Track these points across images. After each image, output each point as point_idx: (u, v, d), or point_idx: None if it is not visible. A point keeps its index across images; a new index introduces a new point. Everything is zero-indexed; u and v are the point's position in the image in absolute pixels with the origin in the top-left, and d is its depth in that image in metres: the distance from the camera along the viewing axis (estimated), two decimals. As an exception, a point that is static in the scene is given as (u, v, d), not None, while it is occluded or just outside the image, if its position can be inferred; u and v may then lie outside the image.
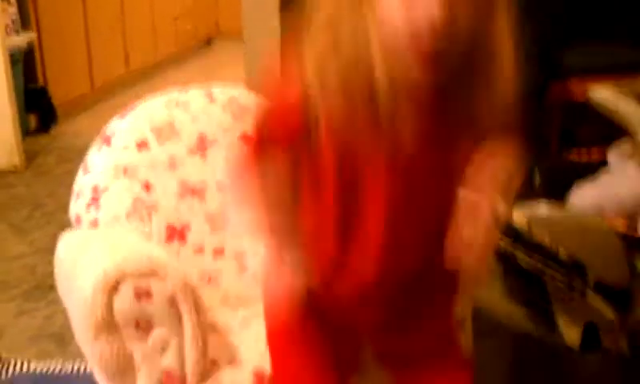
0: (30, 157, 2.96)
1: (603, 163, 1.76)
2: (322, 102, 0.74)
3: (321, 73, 0.74)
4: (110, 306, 0.89)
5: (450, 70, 0.73)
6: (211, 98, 1.30)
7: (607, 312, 1.49)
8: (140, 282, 0.90)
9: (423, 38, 0.69)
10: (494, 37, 0.76)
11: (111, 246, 1.01)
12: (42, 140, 3.26)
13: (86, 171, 1.22)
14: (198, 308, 0.94)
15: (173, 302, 0.92)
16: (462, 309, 1.06)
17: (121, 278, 0.90)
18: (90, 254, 1.00)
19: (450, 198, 0.79)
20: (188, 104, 1.28)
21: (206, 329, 0.97)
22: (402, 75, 0.73)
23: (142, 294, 0.90)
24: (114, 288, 0.89)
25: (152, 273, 0.91)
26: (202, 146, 1.25)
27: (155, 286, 0.91)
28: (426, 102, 0.76)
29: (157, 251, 0.99)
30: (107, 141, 1.23)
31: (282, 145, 0.81)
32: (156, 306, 0.91)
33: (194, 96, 1.30)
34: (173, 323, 0.93)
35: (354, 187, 0.79)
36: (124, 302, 0.90)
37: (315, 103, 0.74)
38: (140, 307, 0.90)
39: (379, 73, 0.71)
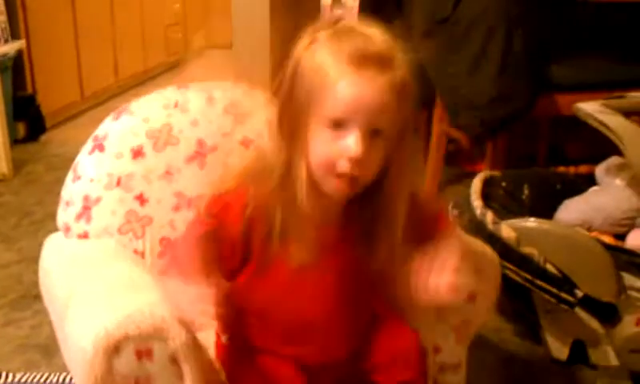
0: (18, 165, 2.94)
1: (591, 178, 1.77)
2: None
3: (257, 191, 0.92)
4: (109, 366, 0.86)
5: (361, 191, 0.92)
6: (211, 100, 1.24)
7: (595, 326, 1.50)
8: (142, 342, 0.88)
9: (345, 165, 0.87)
10: (396, 177, 0.93)
11: (111, 293, 0.96)
12: (31, 148, 3.24)
13: (76, 177, 1.17)
14: (198, 366, 0.91)
15: (174, 361, 0.90)
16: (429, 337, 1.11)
17: (123, 340, 0.87)
18: (88, 298, 0.96)
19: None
20: (187, 105, 1.22)
21: (208, 380, 0.95)
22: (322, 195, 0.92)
23: (143, 354, 0.88)
24: (115, 349, 0.86)
25: (155, 333, 0.89)
26: (200, 153, 1.20)
27: (157, 346, 0.89)
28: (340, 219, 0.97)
29: (158, 302, 0.94)
30: (100, 145, 1.17)
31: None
32: (156, 365, 0.89)
33: (194, 97, 1.24)
34: (172, 381, 0.90)
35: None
36: (125, 362, 0.87)
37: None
38: (140, 366, 0.88)
39: (301, 195, 0.90)
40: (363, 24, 0.90)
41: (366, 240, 0.96)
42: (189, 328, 0.92)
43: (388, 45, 0.89)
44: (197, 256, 0.92)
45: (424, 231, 0.97)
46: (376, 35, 0.89)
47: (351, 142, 0.86)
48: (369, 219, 0.95)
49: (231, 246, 0.94)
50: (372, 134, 0.87)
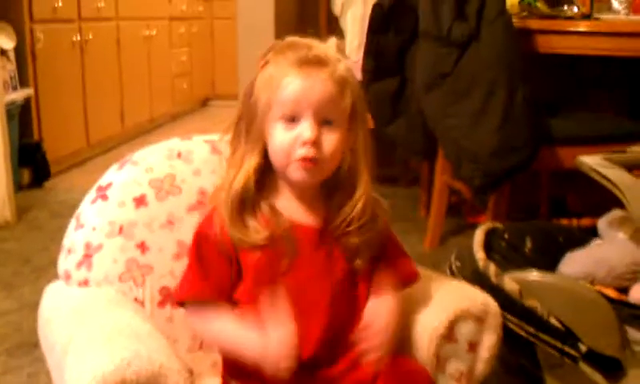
0: (21, 211, 2.95)
1: (594, 231, 1.77)
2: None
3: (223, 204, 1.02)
4: None
5: (323, 171, 1.02)
6: (214, 149, 1.25)
7: (599, 380, 1.48)
8: None
9: (301, 150, 0.98)
10: (356, 148, 1.04)
11: (110, 339, 0.95)
12: (35, 195, 3.26)
13: (78, 226, 1.17)
14: None
15: None
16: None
17: None
18: (86, 344, 0.96)
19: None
20: (190, 155, 1.24)
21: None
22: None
23: None
24: None
25: (153, 380, 0.89)
26: (202, 202, 1.20)
27: None
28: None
29: (157, 348, 0.94)
30: (103, 195, 1.18)
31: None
32: None
33: (197, 147, 1.26)
34: None
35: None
36: None
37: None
38: None
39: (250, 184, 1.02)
40: (305, 38, 1.04)
41: (335, 235, 1.04)
42: (187, 376, 0.91)
43: (325, 49, 1.02)
44: (208, 277, 1.02)
45: (389, 261, 1.08)
46: (315, 44, 1.02)
47: (304, 128, 0.98)
48: (334, 212, 1.04)
49: (227, 258, 1.01)
50: (323, 123, 0.99)
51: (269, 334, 0.94)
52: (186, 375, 0.93)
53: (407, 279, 1.11)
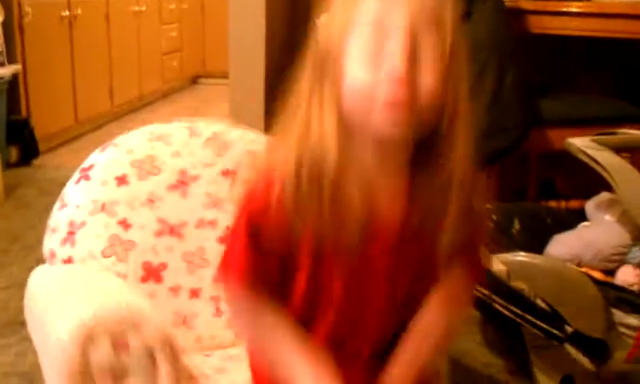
0: (9, 189, 2.93)
1: (582, 213, 1.78)
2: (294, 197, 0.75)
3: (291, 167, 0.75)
4: (85, 357, 0.87)
5: (418, 124, 0.74)
6: (193, 132, 1.28)
7: (585, 362, 1.49)
8: (118, 333, 0.89)
9: (389, 89, 0.71)
10: (456, 101, 0.76)
11: (89, 290, 0.98)
12: (23, 172, 3.23)
13: (62, 205, 1.19)
14: (174, 358, 0.92)
15: (149, 353, 0.90)
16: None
17: (99, 329, 0.88)
18: (66, 297, 0.97)
19: (410, 291, 0.85)
20: (170, 137, 1.26)
21: (182, 378, 0.95)
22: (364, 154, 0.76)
23: (119, 345, 0.89)
24: (91, 339, 0.87)
25: (131, 324, 0.90)
26: (182, 182, 1.23)
27: (133, 337, 0.90)
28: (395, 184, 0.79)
29: (134, 298, 0.97)
30: (86, 175, 1.21)
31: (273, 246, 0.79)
32: (132, 357, 0.89)
33: (176, 129, 1.28)
34: (148, 373, 0.90)
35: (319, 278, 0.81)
36: (101, 353, 0.88)
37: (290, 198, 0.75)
38: (116, 358, 0.89)
39: (332, 160, 0.74)
40: None
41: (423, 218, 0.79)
42: (167, 322, 0.91)
43: None
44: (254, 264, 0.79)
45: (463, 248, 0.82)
46: None
47: (390, 59, 0.70)
48: (424, 185, 0.78)
49: (285, 243, 0.77)
50: (416, 53, 0.71)
51: None
52: (163, 323, 0.94)
53: (476, 281, 0.93)
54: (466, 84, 0.77)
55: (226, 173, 1.25)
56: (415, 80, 0.71)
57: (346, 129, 0.75)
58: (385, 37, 0.71)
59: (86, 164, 1.23)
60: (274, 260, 0.79)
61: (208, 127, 1.30)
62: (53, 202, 1.22)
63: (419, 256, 0.83)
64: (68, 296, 0.98)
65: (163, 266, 1.19)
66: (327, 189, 0.74)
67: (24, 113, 3.37)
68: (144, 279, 1.18)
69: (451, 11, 0.75)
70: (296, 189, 0.74)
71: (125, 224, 1.18)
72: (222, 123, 1.32)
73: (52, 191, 1.22)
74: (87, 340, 0.87)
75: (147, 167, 1.22)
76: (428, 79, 0.72)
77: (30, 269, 1.19)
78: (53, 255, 1.17)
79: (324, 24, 0.76)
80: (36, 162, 3.37)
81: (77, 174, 1.22)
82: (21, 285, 1.15)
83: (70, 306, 0.93)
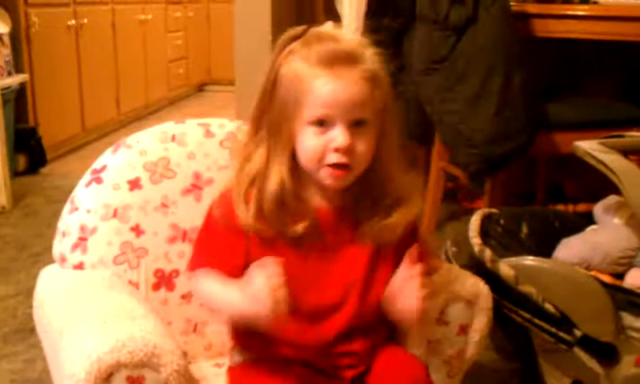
0: (17, 198, 2.94)
1: (590, 217, 1.77)
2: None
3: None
4: None
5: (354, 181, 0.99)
6: (208, 133, 1.25)
7: (594, 366, 1.48)
8: (134, 370, 0.89)
9: (335, 157, 0.95)
10: (385, 163, 1.01)
11: (103, 314, 0.97)
12: (31, 181, 3.25)
13: (73, 208, 1.17)
14: None
15: None
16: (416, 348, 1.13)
17: (115, 366, 0.88)
18: (81, 324, 0.96)
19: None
20: (184, 138, 1.23)
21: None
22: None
23: (135, 381, 0.89)
24: (106, 376, 0.87)
25: (147, 361, 0.89)
26: (196, 186, 1.21)
27: (149, 374, 0.90)
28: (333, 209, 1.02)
29: (149, 326, 0.95)
30: (97, 178, 1.18)
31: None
32: None
33: (191, 131, 1.25)
34: None
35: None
36: None
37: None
38: None
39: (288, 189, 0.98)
40: (331, 29, 1.00)
41: (362, 221, 1.02)
42: (181, 356, 0.92)
43: (355, 42, 0.97)
44: (222, 248, 0.99)
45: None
46: (343, 35, 0.98)
47: (336, 135, 0.94)
48: (363, 203, 1.02)
49: (239, 236, 0.99)
50: (355, 125, 0.95)
51: (249, 287, 0.92)
52: (179, 355, 0.93)
53: (430, 269, 1.07)
54: (395, 124, 1.01)
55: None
56: (353, 148, 0.95)
57: (297, 170, 0.99)
58: (333, 114, 0.93)
59: (97, 165, 1.20)
60: (229, 252, 0.99)
61: (221, 128, 1.27)
62: (60, 210, 1.20)
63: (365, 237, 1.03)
64: (82, 323, 0.97)
65: (176, 272, 1.19)
66: (281, 206, 0.98)
67: (31, 121, 3.39)
68: (156, 287, 1.17)
69: (383, 72, 0.98)
70: (264, 211, 0.98)
71: (137, 230, 1.17)
72: (235, 123, 1.29)
73: (59, 199, 1.22)
74: (103, 377, 0.87)
75: (161, 170, 1.20)
76: (363, 147, 0.96)
77: (38, 276, 1.19)
78: (63, 259, 1.16)
79: (283, 81, 0.97)
80: (43, 170, 3.39)
81: (87, 176, 1.20)
82: (29, 292, 1.15)
83: (85, 340, 0.91)
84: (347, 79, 0.93)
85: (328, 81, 0.93)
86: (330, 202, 1.02)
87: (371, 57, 0.97)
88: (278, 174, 0.97)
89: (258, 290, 0.89)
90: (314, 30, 0.99)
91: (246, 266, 0.95)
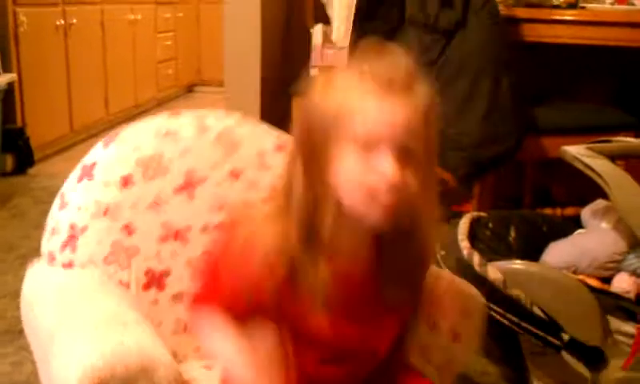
0: (4, 198, 2.92)
1: (577, 220, 1.78)
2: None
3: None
4: None
5: (397, 223, 0.87)
6: (203, 128, 1.22)
7: (581, 370, 1.49)
8: (128, 380, 0.88)
9: (387, 194, 0.83)
10: (425, 211, 0.90)
11: (97, 328, 0.95)
12: (18, 181, 3.22)
13: (63, 205, 1.15)
14: None
15: None
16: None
17: (109, 377, 0.87)
18: (72, 331, 0.95)
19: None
20: (178, 134, 1.20)
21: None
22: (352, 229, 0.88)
23: None
24: None
25: (141, 371, 0.89)
26: (189, 183, 1.19)
27: (142, 383, 0.89)
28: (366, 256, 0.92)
29: (145, 337, 0.94)
30: (88, 173, 1.15)
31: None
32: None
33: (186, 125, 1.22)
34: None
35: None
36: None
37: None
38: None
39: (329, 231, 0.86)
40: (383, 49, 0.88)
41: (393, 275, 0.93)
42: (175, 365, 0.91)
43: (411, 70, 0.87)
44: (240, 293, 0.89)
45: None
46: (400, 61, 0.87)
47: (385, 164, 0.82)
48: (399, 253, 0.91)
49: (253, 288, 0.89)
50: (403, 156, 0.84)
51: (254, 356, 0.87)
52: (173, 365, 0.93)
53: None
54: (434, 175, 0.92)
55: (233, 174, 1.21)
56: (402, 184, 0.83)
57: (338, 210, 0.86)
58: (380, 138, 0.83)
59: (88, 160, 1.17)
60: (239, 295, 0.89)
61: (217, 122, 1.24)
62: (48, 211, 1.18)
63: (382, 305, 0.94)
64: (73, 330, 0.96)
65: (167, 272, 1.17)
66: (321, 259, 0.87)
67: (19, 122, 3.37)
68: (146, 287, 1.16)
69: (434, 110, 0.87)
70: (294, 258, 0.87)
71: (128, 229, 1.15)
72: (231, 117, 1.26)
73: (47, 200, 1.20)
74: None
75: (154, 166, 1.17)
76: (413, 182, 0.84)
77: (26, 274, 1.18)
78: (52, 258, 1.14)
79: (317, 107, 0.86)
80: (31, 170, 3.36)
81: (78, 170, 1.16)
82: (16, 294, 1.14)
83: (79, 349, 0.90)
84: (402, 105, 0.84)
85: (381, 102, 0.83)
86: (357, 259, 0.91)
87: (424, 88, 0.87)
88: (330, 215, 0.86)
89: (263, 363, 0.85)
90: (362, 51, 0.89)
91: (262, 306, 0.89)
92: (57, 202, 1.17)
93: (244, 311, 0.90)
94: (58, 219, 1.15)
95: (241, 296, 0.89)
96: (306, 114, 0.87)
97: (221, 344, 0.92)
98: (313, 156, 0.86)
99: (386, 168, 0.82)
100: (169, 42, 5.38)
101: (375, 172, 0.83)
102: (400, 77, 0.84)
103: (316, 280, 0.87)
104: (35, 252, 1.19)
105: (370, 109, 0.83)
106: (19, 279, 1.15)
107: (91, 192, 1.15)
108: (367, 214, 0.85)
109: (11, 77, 3.24)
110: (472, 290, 1.20)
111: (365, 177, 0.83)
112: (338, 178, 0.85)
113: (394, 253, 0.91)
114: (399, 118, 0.83)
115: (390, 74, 0.84)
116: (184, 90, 5.88)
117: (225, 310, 0.91)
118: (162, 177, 1.18)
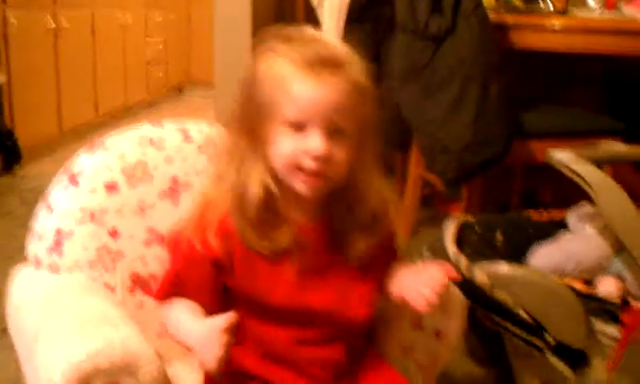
0: (-9, 198, 2.91)
1: (563, 224, 1.79)
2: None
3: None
4: None
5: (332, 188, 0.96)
6: (187, 137, 1.25)
7: (565, 370, 1.50)
8: (112, 376, 0.89)
9: (311, 163, 0.91)
10: (360, 173, 0.99)
11: (80, 321, 0.96)
12: (6, 182, 3.21)
13: (49, 210, 1.16)
14: None
15: None
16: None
17: (93, 373, 0.87)
18: (57, 330, 0.95)
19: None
20: (162, 142, 1.23)
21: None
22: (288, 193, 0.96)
23: None
24: (85, 382, 0.87)
25: (125, 367, 0.89)
26: (174, 189, 1.21)
27: (127, 380, 0.90)
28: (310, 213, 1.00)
29: (127, 333, 0.95)
30: (74, 179, 1.17)
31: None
32: None
33: (169, 133, 1.24)
34: None
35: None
36: None
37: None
38: None
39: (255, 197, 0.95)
40: (316, 32, 0.97)
41: (340, 238, 1.00)
42: (159, 363, 0.92)
43: (342, 48, 0.94)
44: (193, 280, 0.98)
45: (383, 249, 1.03)
46: (328, 39, 0.96)
47: (313, 140, 0.91)
48: (341, 217, 1.00)
49: (215, 263, 0.97)
50: (333, 133, 0.92)
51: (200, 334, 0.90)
52: (157, 362, 0.93)
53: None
54: (375, 141, 1.00)
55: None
56: (331, 156, 0.91)
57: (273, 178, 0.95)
58: (311, 118, 0.90)
59: (73, 167, 1.18)
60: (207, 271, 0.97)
61: (201, 131, 1.26)
62: (35, 211, 1.18)
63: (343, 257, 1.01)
64: (58, 327, 0.96)
65: (152, 276, 1.18)
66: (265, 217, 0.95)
67: (8, 123, 3.35)
68: (131, 290, 1.17)
69: (368, 82, 0.94)
70: (248, 222, 0.95)
71: (114, 233, 1.16)
72: (213, 126, 1.29)
73: (34, 200, 1.20)
74: (81, 383, 0.87)
75: (138, 174, 1.19)
76: (341, 155, 0.93)
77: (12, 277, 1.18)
78: (38, 262, 1.15)
79: (261, 79, 0.94)
80: (19, 171, 3.35)
81: (63, 178, 1.18)
82: (2, 294, 1.14)
83: (61, 344, 0.91)
84: (329, 85, 0.90)
85: (309, 83, 0.90)
86: (309, 218, 0.99)
87: (357, 66, 0.94)
88: (257, 183, 0.94)
89: (208, 336, 0.87)
90: (295, 28, 0.96)
91: (223, 287, 0.98)
92: (42, 207, 1.18)
93: (199, 281, 0.97)
94: (43, 225, 1.16)
95: (197, 264, 0.96)
96: (243, 99, 0.96)
97: (174, 318, 0.99)
98: (253, 136, 0.95)
99: (313, 144, 0.90)
100: (160, 46, 5.37)
101: (303, 148, 0.91)
102: (327, 56, 0.91)
103: (276, 242, 0.95)
104: (20, 252, 1.19)
105: (298, 92, 0.90)
106: (3, 279, 1.15)
107: (76, 198, 1.16)
108: (294, 181, 0.94)
109: (0, 78, 3.23)
110: (454, 288, 1.21)
111: (293, 148, 0.92)
112: (273, 153, 0.94)
113: (340, 210, 0.99)
114: (325, 100, 0.90)
115: (318, 54, 0.91)
116: (174, 91, 5.88)
117: (179, 289, 0.98)
118: (147, 183, 1.20)
